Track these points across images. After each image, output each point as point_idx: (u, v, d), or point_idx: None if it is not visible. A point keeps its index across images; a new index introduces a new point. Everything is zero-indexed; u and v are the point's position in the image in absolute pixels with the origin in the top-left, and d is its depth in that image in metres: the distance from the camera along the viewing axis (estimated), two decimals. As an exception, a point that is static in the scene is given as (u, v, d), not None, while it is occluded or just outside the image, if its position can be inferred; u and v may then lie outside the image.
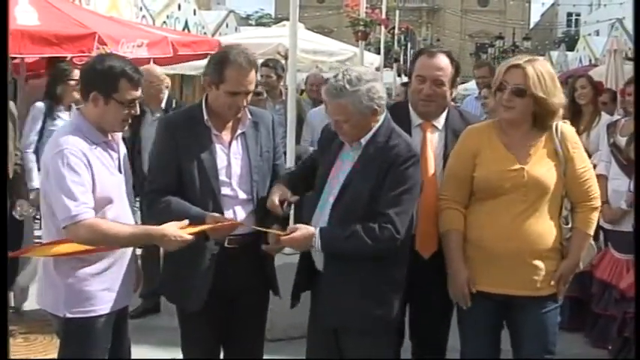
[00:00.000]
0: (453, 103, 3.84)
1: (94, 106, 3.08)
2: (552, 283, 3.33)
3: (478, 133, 3.45)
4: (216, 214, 3.25)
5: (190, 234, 3.07)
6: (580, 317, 5.66)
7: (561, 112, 3.35)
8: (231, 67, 3.28)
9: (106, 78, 3.05)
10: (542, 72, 3.27)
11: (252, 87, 3.34)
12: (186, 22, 16.76)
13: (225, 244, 3.35)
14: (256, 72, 3.40)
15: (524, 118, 3.32)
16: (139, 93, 3.13)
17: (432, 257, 3.51)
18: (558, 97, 3.31)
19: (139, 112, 3.22)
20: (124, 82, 3.05)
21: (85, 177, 2.99)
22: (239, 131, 3.43)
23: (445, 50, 3.77)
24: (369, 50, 14.56)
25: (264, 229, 3.28)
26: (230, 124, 3.43)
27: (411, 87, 3.72)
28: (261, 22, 56.97)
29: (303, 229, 3.16)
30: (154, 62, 9.77)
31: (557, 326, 3.47)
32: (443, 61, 3.62)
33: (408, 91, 3.79)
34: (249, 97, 3.38)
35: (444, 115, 3.68)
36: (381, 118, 3.24)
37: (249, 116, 3.46)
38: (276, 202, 3.30)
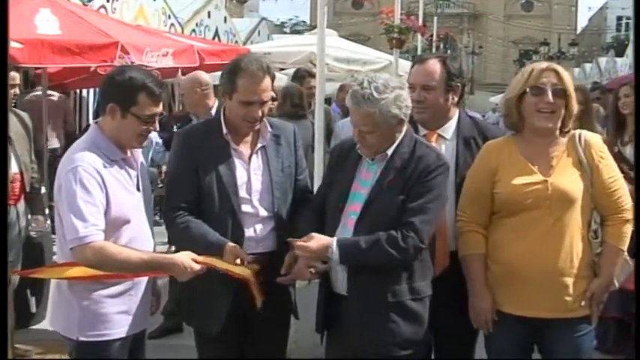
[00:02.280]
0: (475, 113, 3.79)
1: (111, 119, 3.05)
2: (583, 303, 3.21)
3: (497, 147, 3.39)
4: (235, 246, 3.20)
5: (200, 263, 3.04)
6: (624, 340, 5.44)
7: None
8: (243, 76, 3.25)
9: (125, 90, 3.02)
10: (567, 73, 3.27)
11: (266, 96, 3.30)
12: (216, 31, 16.80)
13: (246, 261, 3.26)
14: (272, 80, 3.34)
15: (558, 124, 3.26)
16: (159, 109, 3.09)
17: (444, 273, 3.44)
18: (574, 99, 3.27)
19: (157, 129, 3.19)
20: (143, 96, 3.02)
21: (98, 196, 2.93)
22: (259, 145, 3.40)
23: (440, 55, 3.74)
24: (406, 59, 14.44)
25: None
26: (249, 137, 3.40)
27: None
28: (296, 29, 57.29)
29: (318, 238, 3.11)
30: (182, 73, 9.92)
31: (592, 351, 3.36)
32: (432, 65, 3.57)
33: None
34: (266, 107, 3.34)
35: (453, 123, 3.63)
36: (404, 128, 3.21)
37: (269, 129, 3.42)
38: (305, 273, 3.21)
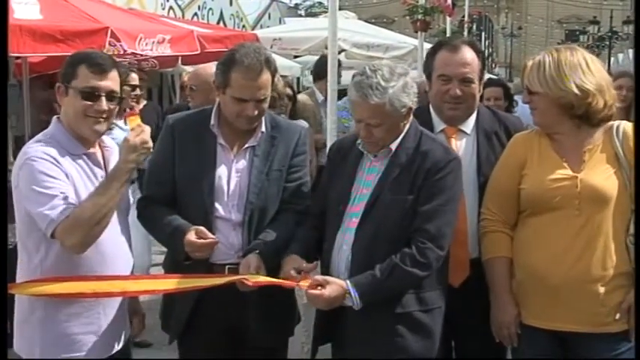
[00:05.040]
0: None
1: (60, 101, 3.06)
2: (618, 316, 3.16)
3: (526, 140, 3.40)
4: (197, 228, 3.23)
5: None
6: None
7: (614, 108, 3.26)
8: (237, 70, 3.24)
9: (67, 65, 3.04)
10: (542, 62, 3.23)
11: (263, 93, 3.28)
12: (221, 14, 16.80)
13: (226, 270, 3.31)
14: (273, 75, 3.33)
15: (553, 119, 3.25)
16: (103, 83, 3.01)
17: (464, 286, 3.46)
18: (575, 84, 3.18)
19: (105, 108, 3.04)
20: (83, 67, 3.00)
21: (60, 176, 2.91)
22: (247, 145, 3.40)
23: (468, 40, 3.72)
24: (433, 43, 14.32)
25: (280, 281, 3.18)
26: (242, 135, 3.41)
27: (432, 89, 3.65)
28: (312, 12, 57.26)
29: (333, 285, 3.07)
30: (182, 61, 9.90)
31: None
32: (468, 54, 3.54)
33: (429, 94, 3.70)
34: (264, 105, 3.33)
35: (473, 116, 3.63)
36: (410, 119, 3.24)
37: (263, 129, 3.42)
38: (293, 274, 3.19)
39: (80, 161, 3.04)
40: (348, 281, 3.07)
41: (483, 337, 3.39)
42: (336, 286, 3.06)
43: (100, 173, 3.10)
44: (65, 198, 2.87)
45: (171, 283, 3.26)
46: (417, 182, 3.12)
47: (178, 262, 3.30)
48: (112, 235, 3.08)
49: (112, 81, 3.03)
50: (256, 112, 3.29)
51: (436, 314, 3.21)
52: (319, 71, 7.18)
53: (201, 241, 3.21)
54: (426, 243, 3.05)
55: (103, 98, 3.00)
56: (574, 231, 3.15)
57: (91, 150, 3.10)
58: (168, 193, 3.38)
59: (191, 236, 3.20)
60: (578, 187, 3.17)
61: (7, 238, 3.20)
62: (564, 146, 3.27)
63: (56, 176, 2.90)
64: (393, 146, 3.18)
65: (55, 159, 2.93)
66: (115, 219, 3.07)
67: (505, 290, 3.30)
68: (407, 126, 3.21)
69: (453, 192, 3.15)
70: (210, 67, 5.63)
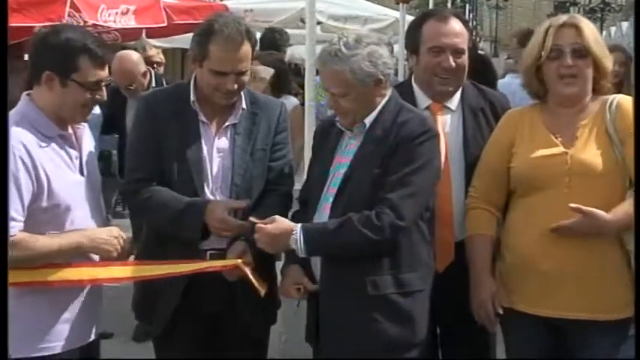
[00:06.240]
0: None
1: (47, 90, 3.02)
2: (615, 302, 3.12)
3: (518, 116, 3.40)
4: (228, 200, 3.31)
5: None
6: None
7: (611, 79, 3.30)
8: (216, 41, 3.23)
9: (63, 54, 2.99)
10: (591, 26, 3.24)
11: (244, 66, 3.28)
12: (191, -18, 16.59)
13: (208, 257, 3.33)
14: (253, 47, 3.32)
15: (587, 89, 3.25)
16: (104, 73, 3.08)
17: (449, 270, 3.46)
18: (609, 58, 3.26)
19: (105, 97, 3.13)
20: (85, 59, 3.00)
21: (23, 180, 2.89)
22: (229, 122, 3.40)
23: (453, 11, 3.78)
24: (415, 15, 14.31)
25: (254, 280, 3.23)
26: (222, 112, 3.41)
27: (419, 63, 3.64)
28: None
29: (280, 222, 3.11)
30: (147, 34, 9.79)
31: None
32: (457, 25, 3.59)
33: (416, 69, 3.74)
34: (244, 78, 3.32)
35: (459, 92, 3.64)
36: (388, 93, 3.24)
37: (244, 105, 3.41)
38: (292, 291, 3.26)
39: (53, 144, 3.03)
40: (299, 224, 3.10)
41: (470, 324, 3.37)
42: (284, 224, 3.11)
43: (75, 154, 3.11)
44: (13, 218, 2.87)
45: (144, 270, 3.25)
46: (387, 153, 3.11)
47: (154, 247, 3.37)
48: (85, 208, 3.12)
49: (107, 68, 3.09)
50: (236, 86, 3.28)
51: (417, 298, 3.17)
52: (266, 47, 7.16)
53: (240, 222, 3.23)
54: (385, 210, 3.03)
55: (104, 88, 3.08)
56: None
57: (65, 131, 3.10)
58: (155, 172, 3.36)
59: (220, 212, 3.21)
60: (568, 163, 3.15)
61: (7, 236, 3.07)
62: (559, 121, 3.26)
63: (20, 177, 2.88)
64: (368, 121, 3.18)
65: (26, 148, 2.91)
66: (85, 187, 3.12)
67: (483, 268, 3.30)
68: (384, 100, 3.20)
69: (423, 161, 3.10)
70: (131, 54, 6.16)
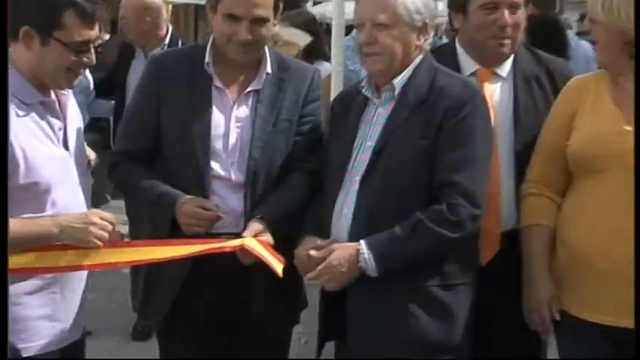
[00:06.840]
0: None
1: (25, 48, 2.84)
2: None
3: (582, 86, 3.13)
4: (192, 197, 3.06)
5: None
6: None
7: None
8: None
9: (44, 7, 2.83)
10: None
11: (259, 12, 3.06)
12: None
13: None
14: None
15: (616, 56, 2.94)
16: (93, 32, 2.89)
17: (492, 263, 3.23)
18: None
19: (94, 61, 2.93)
20: (71, 15, 2.82)
21: None
22: (250, 88, 3.19)
23: None
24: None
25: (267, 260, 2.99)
26: (243, 77, 3.20)
27: (469, 23, 3.38)
28: None
29: (341, 248, 2.88)
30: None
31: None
32: None
33: (465, 29, 3.42)
34: (263, 29, 3.09)
35: (511, 57, 3.38)
36: (424, 51, 3.06)
37: (269, 69, 3.20)
38: (304, 257, 3.00)
39: (33, 113, 2.87)
40: (361, 241, 2.86)
41: (514, 325, 3.19)
42: (347, 249, 2.87)
43: (58, 125, 2.95)
44: None
45: (136, 254, 3.04)
46: (432, 124, 2.89)
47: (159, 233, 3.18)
48: (69, 186, 2.97)
49: (98, 26, 2.92)
50: (250, 37, 3.06)
51: (460, 292, 2.99)
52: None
53: (209, 212, 3.04)
54: (458, 198, 2.83)
55: (92, 50, 2.90)
56: (624, 199, 2.82)
57: (47, 97, 2.93)
58: (148, 146, 3.21)
59: (190, 207, 3.03)
60: (631, 142, 2.83)
61: (7, 236, 2.91)
62: (627, 93, 2.94)
63: None
64: (398, 84, 2.96)
65: None
66: (69, 162, 2.98)
67: (540, 265, 3.08)
68: (418, 58, 3.00)
69: (480, 134, 2.91)
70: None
